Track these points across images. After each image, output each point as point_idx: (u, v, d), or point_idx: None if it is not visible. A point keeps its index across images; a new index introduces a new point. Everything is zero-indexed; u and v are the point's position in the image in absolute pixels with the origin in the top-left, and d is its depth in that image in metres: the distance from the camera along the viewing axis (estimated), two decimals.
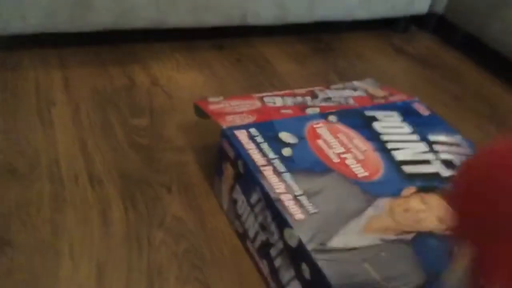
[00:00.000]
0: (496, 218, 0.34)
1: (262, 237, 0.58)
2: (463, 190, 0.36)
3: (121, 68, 0.95)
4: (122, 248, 0.61)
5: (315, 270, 0.48)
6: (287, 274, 0.53)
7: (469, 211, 0.35)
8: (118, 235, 0.63)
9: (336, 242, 0.50)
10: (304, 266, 0.50)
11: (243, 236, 0.63)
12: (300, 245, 0.50)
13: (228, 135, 0.63)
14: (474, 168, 0.36)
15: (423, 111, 0.73)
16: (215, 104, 0.71)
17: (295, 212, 0.53)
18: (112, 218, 0.65)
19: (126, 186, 0.70)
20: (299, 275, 0.51)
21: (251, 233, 0.60)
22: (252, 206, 0.59)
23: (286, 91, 0.78)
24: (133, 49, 1.01)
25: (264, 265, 0.58)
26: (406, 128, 0.69)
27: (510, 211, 0.33)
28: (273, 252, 0.55)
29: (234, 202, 0.64)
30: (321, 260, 0.48)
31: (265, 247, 0.57)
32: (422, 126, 0.69)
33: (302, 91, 0.78)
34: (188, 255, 0.62)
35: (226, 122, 0.65)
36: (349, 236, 0.50)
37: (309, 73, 1.03)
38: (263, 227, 0.57)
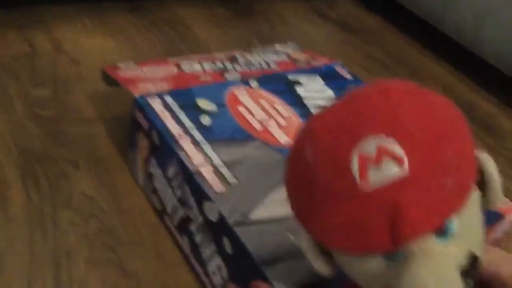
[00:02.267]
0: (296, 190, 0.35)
1: (181, 212, 0.53)
2: (288, 158, 0.36)
3: (20, 32, 0.85)
4: (24, 234, 0.55)
5: (237, 244, 0.45)
6: (208, 250, 0.50)
7: (285, 183, 0.36)
8: (19, 219, 0.56)
9: (259, 213, 0.47)
10: (226, 241, 0.47)
11: (161, 212, 0.58)
12: (221, 218, 0.47)
13: (140, 104, 0.57)
14: (295, 139, 0.36)
15: (346, 74, 0.72)
16: (126, 71, 0.65)
17: (215, 184, 0.49)
18: (11, 200, 0.58)
19: (28, 164, 0.63)
20: (220, 250, 0.48)
21: (169, 209, 0.56)
22: (169, 180, 0.54)
23: (205, 55, 0.73)
24: (33, 11, 0.91)
25: (184, 242, 0.54)
26: (329, 92, 0.67)
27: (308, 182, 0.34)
28: (193, 227, 0.52)
29: (150, 176, 0.59)
30: (242, 233, 0.45)
31: (185, 222, 0.53)
32: (344, 89, 0.68)
33: (222, 55, 0.73)
34: (100, 235, 0.56)
35: (139, 90, 0.59)
36: (272, 207, 0.48)
37: (230, 37, 0.99)
38: (182, 202, 0.53)
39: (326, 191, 0.32)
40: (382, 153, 0.30)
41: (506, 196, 0.73)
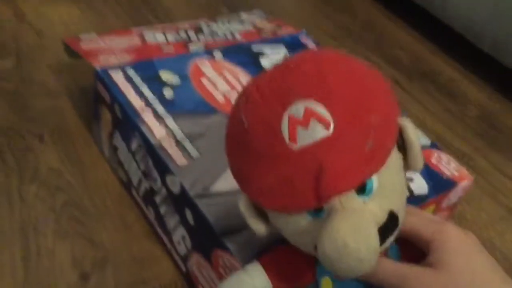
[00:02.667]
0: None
1: (145, 184, 0.55)
2: (228, 120, 0.38)
3: None
4: None
5: (198, 215, 0.46)
6: (172, 221, 0.51)
7: (225, 146, 0.38)
8: None
9: (220, 186, 0.48)
10: (188, 212, 0.48)
11: (127, 184, 0.59)
12: (183, 191, 0.48)
13: (102, 77, 0.57)
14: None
15: (310, 44, 0.72)
16: (88, 42, 0.64)
17: (177, 157, 0.50)
18: None
19: None
20: (183, 221, 0.49)
21: (134, 181, 0.57)
22: (133, 153, 0.55)
23: (168, 25, 0.72)
24: None
25: (150, 213, 0.56)
26: None
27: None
28: (157, 199, 0.53)
29: (114, 149, 0.59)
30: (203, 205, 0.46)
31: (150, 194, 0.54)
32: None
33: (186, 25, 0.73)
34: (67, 208, 0.57)
35: (100, 62, 0.59)
36: (233, 179, 0.49)
37: (197, 4, 0.98)
38: (146, 175, 0.54)
39: (259, 152, 0.34)
40: (309, 115, 0.32)
41: (466, 164, 0.76)
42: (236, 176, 0.37)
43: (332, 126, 0.32)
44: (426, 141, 0.60)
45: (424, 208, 0.53)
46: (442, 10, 0.98)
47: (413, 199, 0.52)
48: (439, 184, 0.55)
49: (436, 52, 1.02)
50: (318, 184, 0.31)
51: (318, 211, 0.33)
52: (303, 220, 0.34)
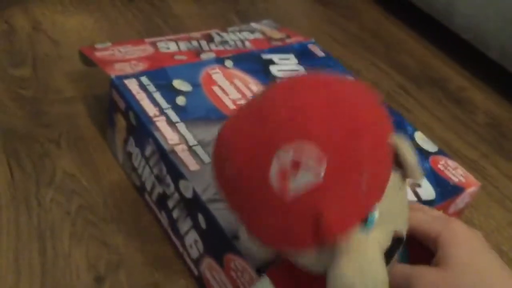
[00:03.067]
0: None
1: (159, 189, 0.56)
2: (212, 165, 0.38)
3: None
4: (8, 211, 0.57)
5: (210, 219, 0.48)
6: (185, 225, 0.53)
7: (215, 183, 0.37)
8: (4, 197, 0.59)
9: None
10: (200, 216, 0.49)
11: (140, 189, 0.61)
12: (195, 196, 0.49)
13: (117, 85, 0.59)
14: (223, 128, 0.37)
15: (319, 52, 0.73)
16: (102, 51, 0.66)
17: (189, 163, 0.52)
18: None
19: (10, 143, 0.65)
20: (196, 225, 0.51)
21: (148, 186, 0.58)
22: (147, 159, 0.57)
23: (181, 35, 0.74)
24: None
25: (163, 217, 0.57)
26: (302, 71, 0.69)
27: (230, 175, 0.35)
28: (170, 203, 0.54)
29: (129, 155, 0.61)
30: (215, 210, 0.48)
31: (163, 199, 0.56)
32: (317, 68, 0.70)
33: (198, 34, 0.75)
34: (83, 212, 0.59)
35: (115, 71, 0.61)
36: None
37: (208, 13, 0.99)
38: (159, 180, 0.55)
39: (251, 202, 0.33)
40: (297, 163, 0.31)
41: (474, 170, 0.77)
42: (232, 211, 0.37)
43: (322, 169, 0.31)
44: (433, 147, 0.61)
45: None
46: (450, 19, 0.99)
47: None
48: (446, 190, 0.55)
49: (445, 60, 1.03)
50: (317, 231, 0.31)
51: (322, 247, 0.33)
52: (308, 254, 0.34)
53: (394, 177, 0.34)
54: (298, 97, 0.33)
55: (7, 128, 0.66)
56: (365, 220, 0.32)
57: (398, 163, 0.35)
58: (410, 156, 0.34)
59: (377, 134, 0.33)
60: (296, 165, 0.31)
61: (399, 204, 0.35)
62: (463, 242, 0.35)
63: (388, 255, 0.33)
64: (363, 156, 0.32)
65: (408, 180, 0.37)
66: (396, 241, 0.34)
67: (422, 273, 0.35)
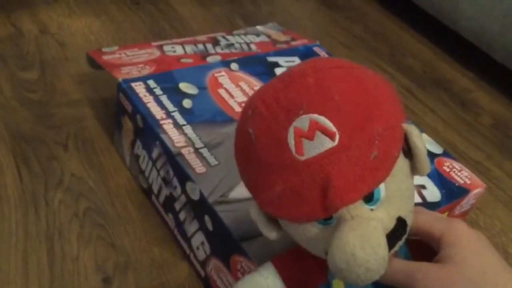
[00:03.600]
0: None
1: (165, 191, 0.57)
2: (235, 131, 0.39)
3: (5, 15, 0.86)
4: (17, 213, 0.58)
5: (217, 221, 0.48)
6: (191, 227, 0.53)
7: (235, 156, 0.39)
8: (12, 199, 0.59)
9: (237, 192, 0.50)
10: (207, 218, 0.50)
11: (147, 191, 0.61)
12: (202, 198, 0.50)
13: (124, 88, 0.60)
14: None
15: (323, 55, 0.74)
16: (110, 54, 0.67)
17: (196, 165, 0.52)
18: (5, 181, 0.61)
19: (19, 146, 0.65)
20: (203, 227, 0.51)
21: (155, 188, 0.59)
22: (154, 161, 0.57)
23: (187, 39, 0.75)
24: None
25: (170, 219, 0.58)
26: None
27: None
28: (177, 206, 0.55)
29: (136, 157, 0.62)
30: (221, 212, 0.48)
31: (169, 201, 0.56)
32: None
33: (204, 38, 0.75)
34: (90, 214, 0.60)
35: (122, 74, 0.62)
36: None
37: (213, 16, 1.00)
38: (166, 182, 0.56)
39: (267, 164, 0.35)
40: (314, 128, 0.33)
41: (479, 171, 0.77)
42: (247, 185, 0.38)
43: (337, 137, 0.33)
44: (438, 149, 0.62)
45: None
46: (454, 21, 0.99)
47: (426, 206, 0.53)
48: (452, 191, 0.56)
49: (449, 61, 1.03)
50: (325, 196, 0.32)
51: (328, 219, 0.34)
52: (313, 228, 0.35)
53: (403, 163, 0.35)
54: (326, 72, 0.36)
55: (15, 130, 0.67)
56: (371, 196, 0.34)
57: (409, 153, 0.36)
58: (420, 143, 0.35)
59: (391, 116, 0.35)
60: (314, 128, 0.33)
61: (406, 191, 0.36)
62: (466, 242, 0.36)
63: (390, 239, 0.34)
64: (376, 131, 0.33)
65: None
66: (400, 226, 0.35)
67: (425, 268, 0.35)
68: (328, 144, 0.33)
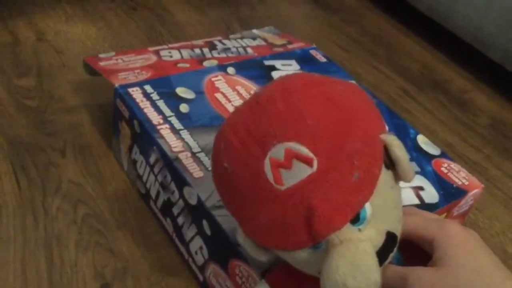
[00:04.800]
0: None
1: (163, 196, 0.57)
2: (211, 161, 0.39)
3: (2, 22, 0.86)
4: (15, 220, 0.58)
5: (215, 225, 0.48)
6: (189, 231, 0.53)
7: (214, 183, 0.39)
8: (10, 206, 0.59)
9: None
10: (205, 223, 0.50)
11: (146, 196, 0.61)
12: (200, 202, 0.50)
13: (121, 94, 0.60)
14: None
15: (320, 58, 0.74)
16: (106, 60, 0.67)
17: (193, 170, 0.52)
18: (2, 188, 0.61)
19: (16, 153, 0.65)
20: (201, 232, 0.51)
21: (153, 193, 0.59)
22: (151, 166, 0.57)
23: (183, 43, 0.75)
24: (14, 1, 0.92)
25: (168, 224, 0.58)
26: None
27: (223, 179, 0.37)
28: (175, 210, 0.55)
29: (133, 162, 0.62)
30: (219, 216, 0.48)
31: (167, 206, 0.56)
32: (319, 73, 0.70)
33: (200, 42, 0.75)
34: (88, 220, 0.60)
35: (119, 80, 0.62)
36: None
37: (210, 21, 1.00)
38: (164, 187, 0.56)
39: (246, 196, 0.34)
40: (290, 156, 0.32)
41: (477, 172, 0.77)
42: (230, 212, 0.37)
43: (315, 162, 0.32)
44: (436, 150, 0.62)
45: None
46: (451, 21, 1.00)
47: (424, 208, 0.53)
48: (450, 193, 0.56)
49: (446, 62, 1.04)
50: (310, 225, 0.31)
51: (316, 244, 0.33)
52: (302, 253, 0.34)
53: (385, 176, 0.35)
54: (295, 92, 0.34)
55: (12, 138, 0.67)
56: (357, 217, 0.33)
57: (390, 164, 0.35)
58: (401, 154, 0.35)
59: (369, 130, 0.34)
60: (290, 156, 0.32)
61: (392, 203, 0.35)
62: (458, 243, 0.35)
63: (381, 255, 0.33)
64: (354, 149, 0.32)
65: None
66: (389, 240, 0.34)
67: (418, 273, 0.35)
68: (307, 171, 0.32)
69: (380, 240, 0.34)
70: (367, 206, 0.33)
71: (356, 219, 0.33)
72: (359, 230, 0.33)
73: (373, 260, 0.32)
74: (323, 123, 0.33)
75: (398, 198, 0.36)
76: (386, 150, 0.34)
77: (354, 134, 0.33)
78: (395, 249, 0.36)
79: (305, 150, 0.32)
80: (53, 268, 0.54)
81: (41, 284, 0.53)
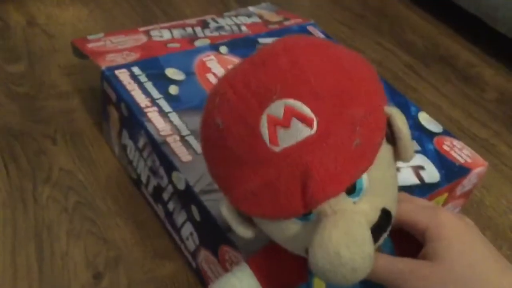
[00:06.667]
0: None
1: (153, 181, 0.55)
2: (201, 121, 0.36)
3: None
4: (4, 210, 0.57)
5: (203, 211, 0.46)
6: (180, 217, 0.51)
7: (201, 149, 0.36)
8: (0, 195, 0.58)
9: None
10: (194, 208, 0.48)
11: (137, 182, 0.60)
12: (188, 187, 0.48)
13: (108, 76, 0.58)
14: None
15: (318, 34, 0.71)
16: (95, 42, 0.64)
17: (181, 154, 0.50)
18: None
19: (6, 141, 0.64)
20: (190, 217, 0.49)
21: (143, 179, 0.57)
22: (140, 151, 0.55)
23: (175, 23, 0.72)
24: None
25: (159, 210, 0.56)
26: None
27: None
28: (165, 196, 0.53)
29: (124, 147, 0.60)
30: (208, 201, 0.46)
31: (158, 191, 0.54)
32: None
33: (193, 21, 0.73)
34: (80, 208, 0.58)
35: (106, 62, 0.59)
36: None
37: (206, 0, 0.97)
38: (153, 172, 0.54)
39: (238, 156, 0.32)
40: (290, 114, 0.30)
41: (485, 149, 0.74)
42: (216, 181, 0.35)
43: (315, 123, 0.30)
44: (438, 128, 0.59)
45: (436, 197, 0.52)
46: None
47: (425, 188, 0.50)
48: (452, 171, 0.53)
49: (452, 36, 1.00)
50: (305, 190, 0.29)
51: (307, 214, 0.31)
52: (291, 225, 0.32)
53: (386, 150, 0.33)
54: (300, 51, 0.32)
55: (2, 125, 0.66)
56: (353, 187, 0.31)
57: (392, 139, 0.33)
58: (404, 127, 0.33)
59: (372, 98, 0.32)
60: (288, 117, 0.30)
61: (389, 180, 0.33)
62: (452, 235, 0.33)
63: (375, 233, 0.31)
64: (356, 115, 0.30)
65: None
66: (384, 217, 0.32)
67: (412, 267, 0.33)
68: (306, 132, 0.30)
69: (374, 216, 0.32)
70: (365, 177, 0.31)
71: (352, 190, 0.31)
72: (354, 202, 0.31)
73: (368, 233, 0.30)
74: (328, 84, 0.31)
75: (395, 177, 0.34)
76: (388, 123, 0.33)
77: (358, 99, 0.31)
78: (389, 230, 0.34)
79: (306, 109, 0.30)
80: (43, 258, 0.53)
81: (32, 275, 0.51)
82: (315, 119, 0.30)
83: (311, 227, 0.31)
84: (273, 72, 0.32)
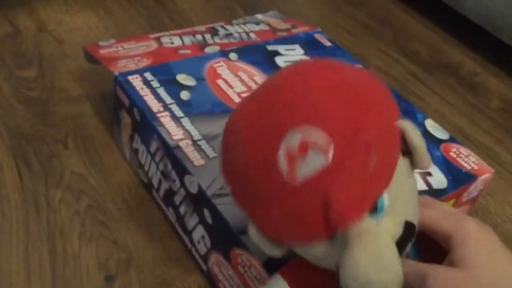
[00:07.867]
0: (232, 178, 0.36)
1: (165, 185, 0.56)
2: (220, 152, 0.37)
3: (2, 13, 0.85)
4: (18, 213, 0.57)
5: (216, 214, 0.47)
6: (192, 221, 0.52)
7: (222, 176, 0.36)
8: (13, 199, 0.59)
9: None
10: (206, 212, 0.49)
11: (148, 186, 0.60)
12: (200, 191, 0.49)
13: (120, 82, 0.59)
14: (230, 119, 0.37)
15: (325, 42, 0.72)
16: (106, 48, 0.65)
17: (194, 158, 0.51)
18: (5, 181, 0.60)
19: (18, 145, 0.65)
20: (202, 220, 0.50)
21: (155, 182, 0.58)
22: (152, 155, 0.56)
23: (185, 30, 0.73)
24: None
25: (170, 213, 0.57)
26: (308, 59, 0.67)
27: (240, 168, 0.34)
28: (177, 199, 0.54)
29: (135, 152, 0.61)
30: (220, 205, 0.47)
31: (169, 195, 0.55)
32: (324, 57, 0.69)
33: (202, 28, 0.74)
34: (91, 211, 0.59)
35: (118, 68, 0.60)
36: None
37: (213, 7, 0.98)
38: (165, 176, 0.55)
39: (258, 188, 0.32)
40: (306, 144, 0.31)
41: (489, 156, 0.75)
42: (239, 204, 0.36)
43: (331, 151, 0.30)
44: (445, 135, 0.60)
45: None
46: (460, 3, 0.97)
47: (432, 194, 0.51)
48: (459, 178, 0.54)
49: (456, 45, 1.01)
50: (327, 217, 0.30)
51: (333, 237, 0.32)
52: (318, 247, 0.33)
53: (402, 164, 0.33)
54: (305, 81, 0.33)
55: (14, 129, 0.67)
56: (375, 207, 0.31)
57: (406, 151, 0.34)
58: (418, 140, 0.33)
59: (384, 116, 0.32)
60: (304, 148, 0.31)
61: (408, 192, 0.34)
62: (477, 243, 0.34)
63: (400, 246, 0.32)
64: (370, 137, 0.31)
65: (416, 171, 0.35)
66: (408, 230, 0.33)
67: (436, 272, 0.33)
68: (322, 160, 0.30)
69: (398, 230, 0.33)
70: (385, 195, 0.32)
71: (374, 210, 0.31)
72: (377, 221, 0.32)
73: (395, 252, 0.31)
74: (339, 109, 0.31)
75: (414, 187, 0.35)
76: (402, 137, 0.33)
77: (370, 120, 0.31)
78: (413, 239, 0.34)
79: (320, 137, 0.30)
80: (56, 260, 0.54)
81: (44, 277, 0.52)
82: (330, 146, 0.30)
83: (338, 247, 0.32)
84: (286, 102, 0.32)
